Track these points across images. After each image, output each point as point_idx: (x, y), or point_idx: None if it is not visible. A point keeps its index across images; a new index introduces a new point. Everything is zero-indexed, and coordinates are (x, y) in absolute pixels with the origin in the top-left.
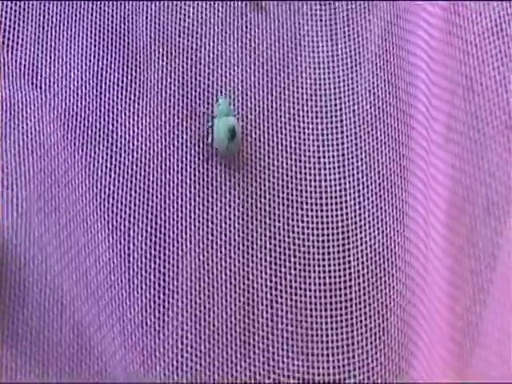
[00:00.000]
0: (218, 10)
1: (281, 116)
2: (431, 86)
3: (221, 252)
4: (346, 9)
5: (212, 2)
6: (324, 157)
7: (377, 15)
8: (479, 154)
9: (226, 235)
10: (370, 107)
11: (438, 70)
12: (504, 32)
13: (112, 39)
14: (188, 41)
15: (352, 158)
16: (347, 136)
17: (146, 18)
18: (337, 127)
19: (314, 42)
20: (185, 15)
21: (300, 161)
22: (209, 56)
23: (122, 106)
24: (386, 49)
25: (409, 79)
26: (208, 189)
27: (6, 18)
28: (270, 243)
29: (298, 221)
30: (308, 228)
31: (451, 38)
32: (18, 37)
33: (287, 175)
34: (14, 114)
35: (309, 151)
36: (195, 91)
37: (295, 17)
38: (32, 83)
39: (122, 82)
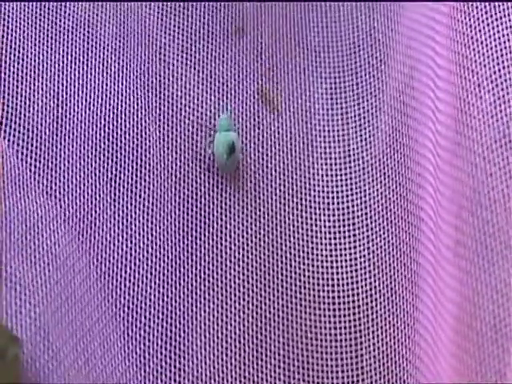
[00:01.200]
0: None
1: (293, 220)
2: (438, 196)
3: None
4: (358, 108)
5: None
6: (337, 261)
7: (387, 113)
8: (487, 270)
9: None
10: (382, 210)
11: (444, 180)
12: None
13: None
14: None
15: (364, 261)
16: (360, 240)
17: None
18: (349, 230)
19: (326, 142)
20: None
21: (312, 265)
22: None
23: (135, 213)
24: (396, 149)
25: (418, 180)
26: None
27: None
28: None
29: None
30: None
31: (459, 149)
32: (32, 144)
33: (300, 280)
34: (29, 225)
35: (321, 255)
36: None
37: (307, 116)
38: (47, 192)
39: (136, 187)
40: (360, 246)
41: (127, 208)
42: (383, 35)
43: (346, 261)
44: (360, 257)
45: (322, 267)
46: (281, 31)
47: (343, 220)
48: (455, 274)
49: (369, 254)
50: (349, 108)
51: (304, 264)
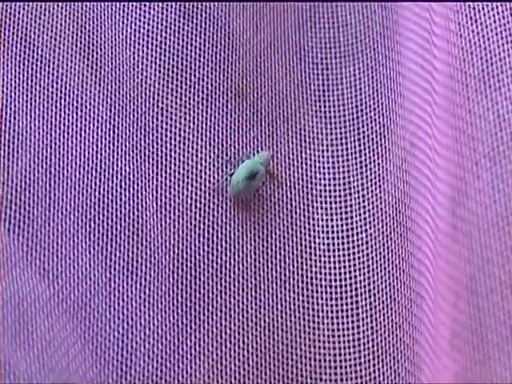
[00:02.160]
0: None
1: (294, 298)
2: (437, 284)
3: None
4: (361, 177)
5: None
6: (339, 341)
7: (390, 182)
8: (483, 364)
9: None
10: (385, 287)
11: (442, 266)
12: (511, 227)
13: (119, 225)
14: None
15: (368, 342)
16: (363, 319)
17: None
18: (352, 309)
19: (328, 214)
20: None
21: (314, 346)
22: None
23: (132, 293)
24: (399, 221)
25: (419, 256)
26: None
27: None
28: None
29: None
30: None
31: (456, 233)
32: (24, 222)
33: (301, 363)
34: (24, 308)
35: (323, 335)
36: None
37: (308, 187)
38: (39, 273)
39: (132, 265)
40: (363, 325)
41: (123, 287)
42: (386, 98)
43: (349, 341)
44: (363, 337)
45: (325, 348)
46: (281, 95)
47: (346, 298)
48: (452, 366)
49: (372, 334)
50: (352, 177)
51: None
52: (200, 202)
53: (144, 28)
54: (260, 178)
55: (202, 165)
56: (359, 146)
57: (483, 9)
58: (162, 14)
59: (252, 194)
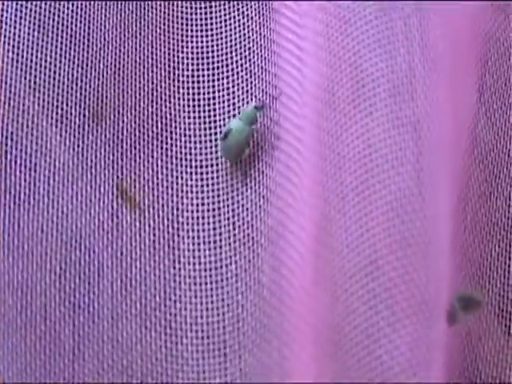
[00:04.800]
0: None
1: (156, 338)
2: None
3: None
4: (231, 202)
5: None
6: None
7: (260, 217)
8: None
9: None
10: (254, 323)
11: (305, 314)
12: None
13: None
14: None
15: None
16: (231, 360)
17: None
18: (219, 349)
19: (195, 244)
20: None
21: None
22: None
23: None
24: (272, 252)
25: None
26: None
27: None
28: None
29: None
30: None
31: (319, 277)
32: None
33: None
34: None
35: (188, 379)
36: None
37: (174, 214)
38: None
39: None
40: (232, 367)
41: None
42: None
43: None
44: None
45: None
46: (146, 112)
47: (213, 336)
48: None
49: None
50: (221, 202)
51: None
52: (51, 235)
53: None
54: (237, 135)
55: (50, 192)
56: (230, 167)
57: (355, 22)
58: (15, 27)
59: (237, 157)
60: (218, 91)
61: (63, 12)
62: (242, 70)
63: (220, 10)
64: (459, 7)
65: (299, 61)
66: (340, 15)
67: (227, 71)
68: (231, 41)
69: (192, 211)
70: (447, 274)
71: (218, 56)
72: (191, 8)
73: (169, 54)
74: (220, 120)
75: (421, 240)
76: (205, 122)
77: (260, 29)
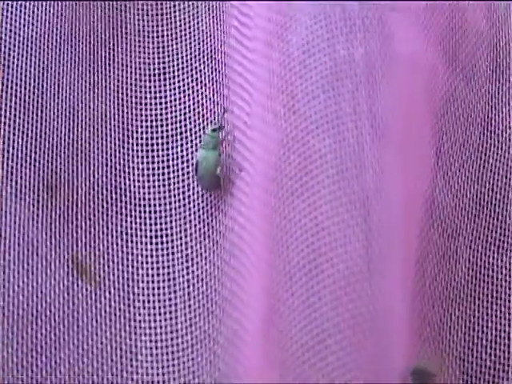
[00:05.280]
0: None
1: None
2: None
3: None
4: (186, 272)
5: None
6: None
7: (215, 288)
8: None
9: None
10: None
11: None
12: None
13: None
14: None
15: None
16: None
17: None
18: None
19: (151, 314)
20: None
21: None
22: None
23: None
24: (227, 324)
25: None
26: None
27: None
28: None
29: None
30: None
31: (269, 357)
32: None
33: None
34: None
35: None
36: None
37: (130, 286)
38: None
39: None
40: None
41: None
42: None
43: None
44: None
45: None
46: (101, 183)
47: None
48: None
49: None
50: (177, 273)
51: None
52: (8, 310)
53: None
54: (205, 164)
55: (7, 266)
56: (185, 237)
57: (303, 98)
58: None
59: (214, 183)
60: (173, 159)
61: (18, 85)
62: (195, 138)
63: (174, 77)
64: (411, 67)
65: (247, 141)
66: (287, 91)
67: (181, 139)
68: (185, 108)
69: (147, 282)
70: (402, 344)
71: (171, 124)
72: (144, 75)
73: (122, 123)
74: (175, 189)
75: (369, 316)
76: (159, 192)
77: (212, 95)
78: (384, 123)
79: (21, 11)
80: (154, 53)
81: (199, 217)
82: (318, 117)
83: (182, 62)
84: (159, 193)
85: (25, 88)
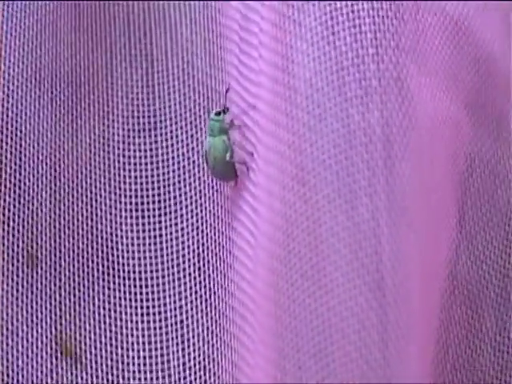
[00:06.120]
0: None
1: None
2: None
3: None
4: (182, 355)
5: None
6: None
7: (214, 372)
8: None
9: None
10: None
11: None
12: None
13: None
14: None
15: None
16: None
17: None
18: None
19: None
20: None
21: None
22: None
23: None
24: None
25: None
26: None
27: None
28: None
29: None
30: None
31: None
32: None
33: None
34: None
35: None
36: None
37: (119, 369)
38: None
39: None
40: None
41: None
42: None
43: None
44: None
45: None
46: (86, 254)
47: None
48: None
49: None
50: (171, 355)
51: None
52: None
53: None
54: (213, 152)
55: None
56: (180, 315)
57: (313, 169)
58: None
59: (228, 171)
60: (166, 227)
61: None
62: (191, 204)
63: (166, 133)
64: (433, 130)
65: (253, 213)
66: (296, 160)
67: (175, 204)
68: (179, 169)
69: (138, 364)
70: None
71: (164, 187)
72: (133, 131)
73: (109, 186)
74: (169, 260)
75: None
76: (151, 264)
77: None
78: (402, 196)
79: None
80: (143, 105)
81: (196, 292)
82: (330, 190)
83: (175, 116)
84: (151, 265)
85: (0, 147)
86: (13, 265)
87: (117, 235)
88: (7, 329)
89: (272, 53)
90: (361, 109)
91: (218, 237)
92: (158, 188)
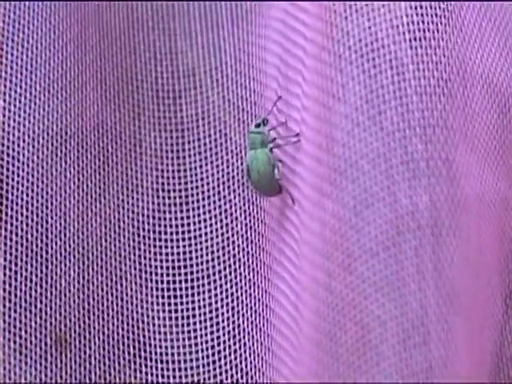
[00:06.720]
0: None
1: None
2: None
3: None
4: None
5: None
6: None
7: None
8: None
9: None
10: None
11: None
12: None
13: None
14: None
15: None
16: None
17: None
18: None
19: None
20: None
21: None
22: None
23: None
24: None
25: None
26: None
27: None
28: None
29: None
30: None
31: None
32: None
33: None
34: None
35: None
36: None
37: None
38: None
39: None
40: None
41: None
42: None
43: None
44: None
45: None
46: (115, 337)
47: None
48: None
49: None
50: None
51: None
52: None
53: None
54: (255, 165)
55: None
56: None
57: (360, 256)
58: None
59: (274, 186)
60: (199, 307)
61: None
62: (226, 283)
63: (199, 207)
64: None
65: (297, 298)
66: (342, 247)
67: (208, 283)
68: (212, 245)
69: None
70: None
71: (197, 265)
72: (163, 205)
73: (139, 264)
74: (202, 343)
75: None
76: (184, 346)
77: (245, 232)
78: (450, 282)
79: None
80: (173, 177)
81: (232, 376)
82: (378, 278)
83: (208, 190)
84: (184, 347)
85: (27, 224)
86: (41, 348)
87: (148, 316)
88: None
89: (315, 136)
90: (408, 192)
91: (255, 318)
92: (191, 266)
